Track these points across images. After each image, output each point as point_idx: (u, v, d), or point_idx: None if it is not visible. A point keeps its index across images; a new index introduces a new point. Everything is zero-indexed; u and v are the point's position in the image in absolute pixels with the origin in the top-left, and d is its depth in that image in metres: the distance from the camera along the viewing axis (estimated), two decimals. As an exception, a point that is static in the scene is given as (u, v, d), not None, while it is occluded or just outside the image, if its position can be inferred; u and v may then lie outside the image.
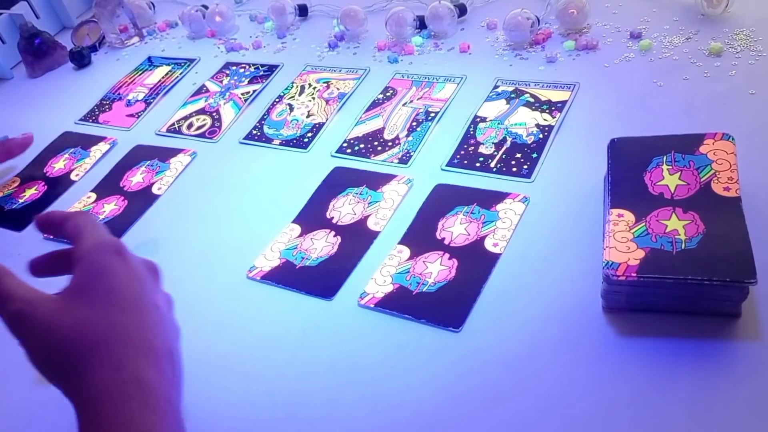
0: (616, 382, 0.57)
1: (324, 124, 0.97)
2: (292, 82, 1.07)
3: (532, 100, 0.90)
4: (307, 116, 0.99)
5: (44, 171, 1.01)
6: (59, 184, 0.98)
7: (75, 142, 1.06)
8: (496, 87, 0.94)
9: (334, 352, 0.65)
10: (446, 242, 0.73)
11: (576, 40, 0.99)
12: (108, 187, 0.95)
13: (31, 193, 0.97)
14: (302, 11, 1.22)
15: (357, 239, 0.76)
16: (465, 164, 0.83)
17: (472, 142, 0.86)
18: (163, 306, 0.51)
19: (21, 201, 0.96)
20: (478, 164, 0.82)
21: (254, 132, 0.99)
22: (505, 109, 0.90)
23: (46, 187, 0.98)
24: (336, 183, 0.85)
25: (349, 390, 0.61)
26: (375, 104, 0.97)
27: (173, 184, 0.93)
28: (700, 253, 0.57)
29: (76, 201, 0.94)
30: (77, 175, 0.98)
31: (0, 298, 0.46)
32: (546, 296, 0.65)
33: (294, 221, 0.81)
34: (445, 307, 0.66)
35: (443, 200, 0.78)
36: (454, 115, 0.92)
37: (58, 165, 1.01)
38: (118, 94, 1.16)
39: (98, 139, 1.05)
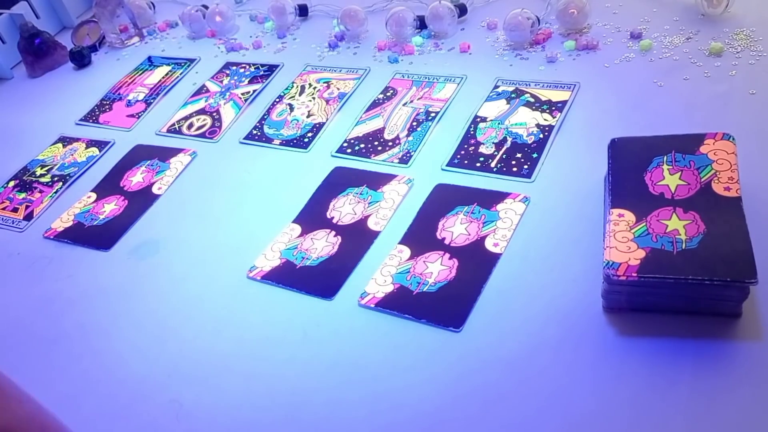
0: (616, 381, 0.57)
1: (324, 124, 0.97)
2: (293, 82, 1.07)
3: (532, 100, 0.90)
4: (308, 116, 0.99)
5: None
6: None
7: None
8: (496, 87, 0.94)
9: (335, 352, 0.65)
10: (447, 242, 0.73)
11: (576, 40, 0.99)
12: (108, 186, 0.95)
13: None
14: (302, 11, 1.22)
15: (357, 239, 0.76)
16: (465, 164, 0.83)
17: (473, 142, 0.86)
18: None
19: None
20: (478, 164, 0.82)
21: (254, 132, 0.99)
22: (506, 109, 0.90)
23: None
24: (336, 183, 0.85)
25: (349, 390, 0.61)
26: (375, 104, 0.97)
27: (173, 183, 0.93)
28: (700, 253, 0.57)
29: (76, 201, 0.94)
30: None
31: None
32: (546, 296, 0.65)
33: (294, 221, 0.81)
34: (445, 307, 0.66)
35: (443, 200, 0.78)
36: (454, 115, 0.92)
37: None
38: (119, 94, 1.16)
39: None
